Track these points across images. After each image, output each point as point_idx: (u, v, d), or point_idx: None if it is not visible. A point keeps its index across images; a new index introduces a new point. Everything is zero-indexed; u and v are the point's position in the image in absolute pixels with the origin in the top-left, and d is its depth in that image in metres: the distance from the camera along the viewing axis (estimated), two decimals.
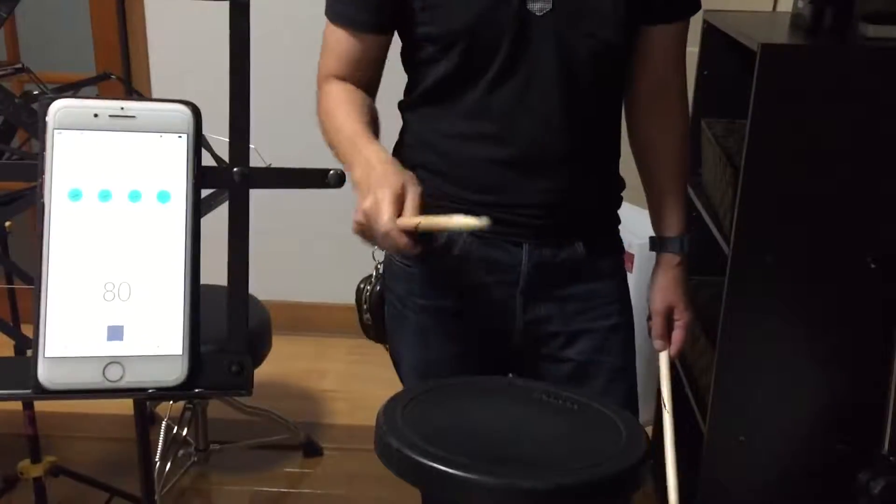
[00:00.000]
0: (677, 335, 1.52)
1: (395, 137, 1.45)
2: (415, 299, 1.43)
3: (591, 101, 1.34)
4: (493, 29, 1.26)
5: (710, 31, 2.09)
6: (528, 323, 1.43)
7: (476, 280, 1.40)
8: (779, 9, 2.48)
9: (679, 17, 1.38)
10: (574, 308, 1.43)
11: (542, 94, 1.30)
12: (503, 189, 1.35)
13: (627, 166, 1.51)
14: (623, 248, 1.52)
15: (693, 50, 2.08)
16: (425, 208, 1.15)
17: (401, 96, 1.44)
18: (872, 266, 1.65)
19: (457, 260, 1.39)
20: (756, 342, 1.72)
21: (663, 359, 1.54)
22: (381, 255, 1.49)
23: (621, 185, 1.49)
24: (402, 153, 1.44)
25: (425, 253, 1.21)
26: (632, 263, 2.45)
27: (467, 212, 1.35)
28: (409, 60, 1.38)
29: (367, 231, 1.16)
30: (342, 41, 1.34)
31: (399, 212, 1.13)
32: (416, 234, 1.14)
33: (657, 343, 1.54)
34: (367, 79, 1.38)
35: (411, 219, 1.14)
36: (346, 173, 1.11)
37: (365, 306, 1.51)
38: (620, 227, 1.52)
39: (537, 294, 1.41)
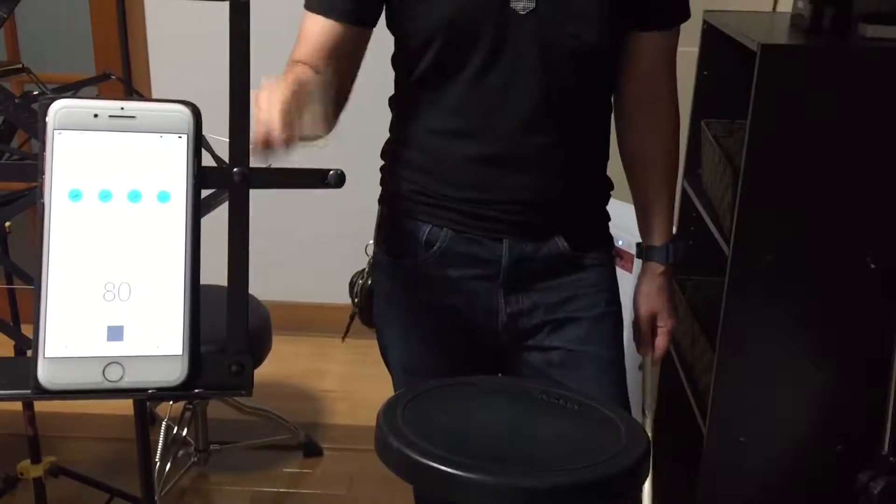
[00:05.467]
0: (660, 342, 1.53)
1: (386, 134, 1.45)
2: (399, 296, 1.45)
3: (573, 101, 1.34)
4: (475, 25, 1.26)
5: (710, 31, 2.09)
6: (512, 316, 1.43)
7: (458, 275, 1.41)
8: (779, 9, 2.48)
9: (669, 26, 1.38)
10: (558, 298, 1.43)
11: (522, 93, 1.30)
12: (484, 185, 1.35)
13: (622, 166, 1.51)
14: (612, 242, 1.52)
15: (693, 50, 2.08)
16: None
17: (391, 94, 1.44)
18: (872, 266, 1.65)
19: (438, 256, 1.40)
20: (756, 342, 1.72)
21: (647, 366, 1.55)
22: (372, 250, 1.50)
23: (608, 184, 1.48)
24: (390, 149, 1.45)
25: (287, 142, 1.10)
26: (631, 264, 2.45)
27: (448, 207, 1.36)
28: (396, 57, 1.38)
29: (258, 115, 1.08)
30: (315, 28, 1.31)
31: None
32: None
33: (640, 349, 1.55)
34: (340, 69, 1.31)
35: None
36: (341, 170, 1.08)
37: (356, 300, 1.55)
38: (621, 227, 1.52)
39: (519, 287, 1.41)
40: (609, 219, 1.50)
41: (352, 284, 1.56)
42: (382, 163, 1.47)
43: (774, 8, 2.53)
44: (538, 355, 1.45)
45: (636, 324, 1.55)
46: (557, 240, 1.40)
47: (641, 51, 1.38)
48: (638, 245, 1.54)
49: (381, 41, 1.37)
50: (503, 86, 1.29)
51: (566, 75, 1.30)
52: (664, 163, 1.48)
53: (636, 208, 1.52)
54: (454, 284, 1.42)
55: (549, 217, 1.39)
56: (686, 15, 1.39)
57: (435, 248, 1.39)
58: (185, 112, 1.01)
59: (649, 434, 1.52)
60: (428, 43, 1.29)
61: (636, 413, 1.55)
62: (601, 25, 1.28)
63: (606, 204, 1.49)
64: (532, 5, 1.26)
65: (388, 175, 1.46)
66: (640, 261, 1.54)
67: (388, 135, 1.46)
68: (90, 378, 0.98)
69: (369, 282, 1.52)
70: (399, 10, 1.30)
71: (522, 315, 1.43)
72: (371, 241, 1.50)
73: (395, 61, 1.39)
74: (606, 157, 1.46)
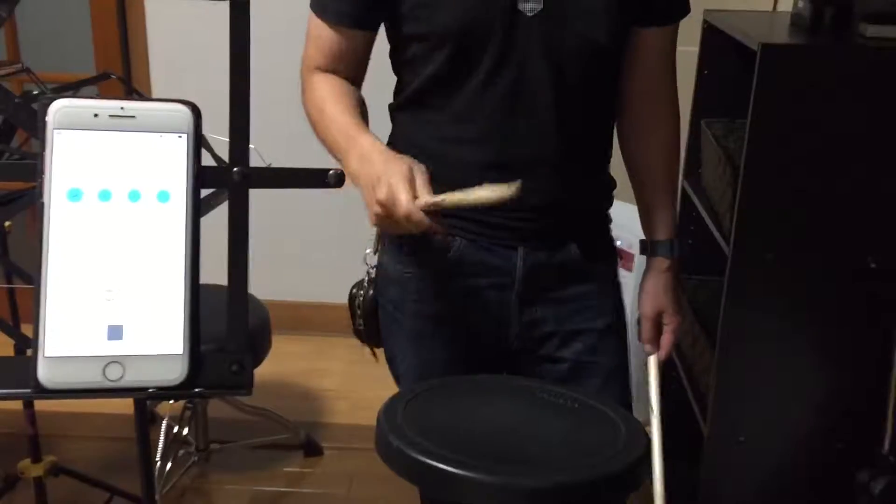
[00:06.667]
0: (666, 339, 1.52)
1: (385, 140, 1.45)
2: (409, 304, 1.43)
3: (582, 102, 1.34)
4: (483, 29, 1.25)
5: (710, 31, 2.09)
6: (524, 325, 1.42)
7: (471, 284, 1.40)
8: (779, 9, 2.48)
9: (668, 21, 1.38)
10: (569, 309, 1.43)
11: (531, 96, 1.29)
12: None
13: (622, 166, 1.51)
14: (615, 248, 1.52)
15: (693, 50, 2.08)
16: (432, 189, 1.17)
17: (391, 98, 1.43)
18: (872, 266, 1.65)
19: (451, 264, 1.39)
20: (756, 342, 1.72)
21: (652, 363, 1.55)
22: (373, 261, 1.48)
23: (612, 185, 1.48)
24: None
25: (447, 233, 1.23)
26: (631, 263, 2.45)
27: (458, 214, 1.35)
28: (399, 62, 1.37)
29: (388, 220, 1.16)
30: (325, 34, 1.33)
31: (413, 194, 1.14)
32: (437, 214, 1.15)
33: (646, 347, 1.54)
34: (351, 73, 1.37)
35: (433, 196, 1.14)
36: (341, 169, 1.10)
37: (359, 312, 1.50)
38: (620, 226, 1.52)
39: (533, 296, 1.41)
40: (611, 222, 1.50)
41: (351, 297, 1.51)
42: None
43: (774, 8, 2.53)
44: (548, 366, 1.45)
45: (642, 322, 1.54)
46: (569, 247, 1.40)
47: (642, 47, 1.38)
48: (641, 242, 1.53)
49: (380, 42, 1.37)
50: (512, 90, 1.29)
51: (574, 76, 1.30)
52: (666, 158, 1.48)
53: (639, 205, 1.52)
54: (466, 293, 1.40)
55: (560, 222, 1.39)
56: (686, 9, 1.39)
57: (447, 257, 1.38)
58: (184, 111, 1.01)
59: (660, 433, 1.51)
60: (435, 49, 1.28)
61: (643, 413, 1.55)
62: (609, 24, 1.28)
63: (610, 206, 1.49)
64: (540, 7, 1.25)
65: None
66: (643, 258, 1.54)
67: (387, 133, 1.45)
68: (90, 377, 0.98)
69: (370, 292, 1.48)
70: (403, 17, 1.28)
71: (534, 324, 1.42)
72: (369, 251, 1.47)
73: (397, 68, 1.38)
74: (610, 157, 1.46)
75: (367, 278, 1.49)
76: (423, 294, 1.42)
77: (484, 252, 1.38)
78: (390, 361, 1.51)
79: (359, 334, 1.52)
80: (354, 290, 1.51)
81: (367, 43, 1.36)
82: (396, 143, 1.42)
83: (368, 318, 1.49)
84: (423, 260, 1.40)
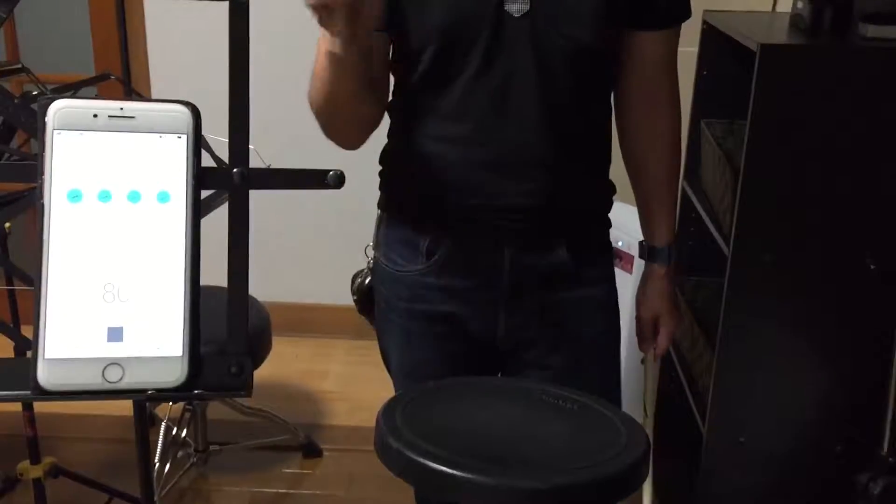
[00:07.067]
0: (661, 341, 1.54)
1: (384, 140, 1.45)
2: (400, 303, 1.44)
3: (571, 104, 1.33)
4: (470, 29, 1.26)
5: (709, 31, 2.09)
6: (511, 328, 1.42)
7: (459, 284, 1.40)
8: (778, 9, 2.48)
9: (668, 25, 1.38)
10: (558, 315, 1.42)
11: (519, 96, 1.29)
12: (484, 191, 1.34)
13: (623, 168, 1.51)
14: (612, 252, 1.51)
15: (693, 50, 2.08)
16: None
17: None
18: (872, 267, 1.65)
19: (440, 264, 1.39)
20: (756, 342, 1.72)
21: (648, 366, 1.55)
22: (372, 253, 1.50)
23: (611, 189, 1.47)
24: (390, 156, 1.44)
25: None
26: (631, 265, 2.45)
27: (448, 214, 1.35)
28: (394, 62, 1.37)
29: None
30: None
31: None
32: None
33: (642, 348, 1.55)
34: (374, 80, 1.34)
35: None
36: (340, 170, 1.09)
37: (355, 297, 1.54)
38: (620, 228, 1.52)
39: (520, 299, 1.40)
40: (610, 226, 1.49)
41: (353, 281, 1.55)
42: (381, 168, 1.46)
43: (774, 8, 2.53)
44: (533, 372, 1.45)
45: (638, 326, 1.54)
46: (559, 251, 1.39)
47: (639, 51, 1.37)
48: (640, 244, 1.53)
49: None
50: (500, 90, 1.28)
51: (562, 77, 1.30)
52: (665, 164, 1.48)
53: (639, 209, 1.52)
54: (454, 294, 1.40)
55: (550, 224, 1.38)
56: (684, 14, 1.38)
57: (436, 257, 1.38)
58: (184, 112, 1.01)
59: (649, 432, 1.52)
60: (423, 48, 1.28)
61: (637, 411, 1.55)
62: (595, 26, 1.28)
63: (609, 211, 1.48)
64: (526, 7, 1.25)
65: (388, 181, 1.45)
66: (639, 262, 1.54)
67: (380, 138, 1.45)
68: (90, 379, 0.98)
69: (367, 281, 1.51)
70: (398, 19, 1.29)
71: (521, 328, 1.42)
72: (371, 244, 1.50)
73: (393, 67, 1.38)
74: (608, 161, 1.45)
75: (366, 268, 1.52)
76: (412, 293, 1.42)
77: (471, 253, 1.38)
78: (383, 356, 1.53)
79: (357, 305, 1.57)
80: (355, 276, 1.55)
81: (384, 45, 1.34)
82: (394, 140, 1.43)
83: (363, 303, 1.53)
84: (412, 260, 1.41)
